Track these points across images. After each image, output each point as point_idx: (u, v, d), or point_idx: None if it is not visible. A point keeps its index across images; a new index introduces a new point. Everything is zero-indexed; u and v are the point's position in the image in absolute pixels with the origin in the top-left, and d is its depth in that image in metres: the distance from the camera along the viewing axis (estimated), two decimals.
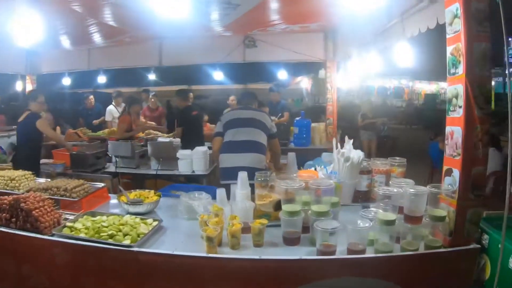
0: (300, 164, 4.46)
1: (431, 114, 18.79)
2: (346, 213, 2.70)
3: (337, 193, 2.56)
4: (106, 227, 2.61)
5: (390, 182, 2.61)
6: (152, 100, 9.02)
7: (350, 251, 2.27)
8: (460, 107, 2.27)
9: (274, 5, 5.33)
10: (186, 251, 2.36)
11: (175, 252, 2.34)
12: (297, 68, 9.78)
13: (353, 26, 5.59)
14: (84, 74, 9.73)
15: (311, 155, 5.06)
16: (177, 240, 2.60)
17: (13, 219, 2.75)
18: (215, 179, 5.05)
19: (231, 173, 4.03)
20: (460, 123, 2.28)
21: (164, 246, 2.49)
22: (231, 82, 11.80)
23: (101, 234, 2.54)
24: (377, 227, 2.33)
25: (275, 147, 4.59)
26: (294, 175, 2.74)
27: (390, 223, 2.32)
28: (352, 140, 3.00)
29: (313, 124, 7.16)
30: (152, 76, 9.14)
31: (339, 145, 3.06)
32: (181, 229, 2.79)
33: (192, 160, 5.19)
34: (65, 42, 7.37)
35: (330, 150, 6.40)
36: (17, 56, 8.15)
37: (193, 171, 5.23)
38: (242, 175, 2.94)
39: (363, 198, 3.08)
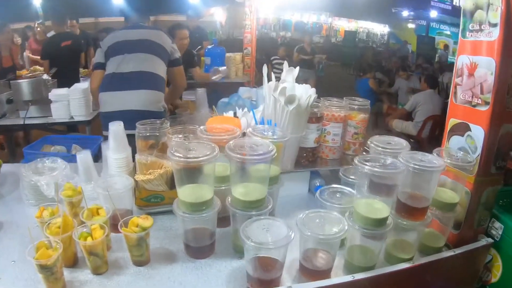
0: (212, 102, 3.38)
1: (350, 51, 18.56)
2: (287, 187, 1.66)
3: (277, 159, 1.43)
4: None
5: (369, 142, 1.55)
6: (39, 29, 7.49)
7: (306, 270, 1.27)
8: (493, 25, 1.35)
9: None
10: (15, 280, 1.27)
11: None
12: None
13: None
14: None
15: (226, 91, 4.10)
16: (9, 254, 1.41)
17: None
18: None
19: (117, 119, 2.79)
20: (490, 50, 1.37)
21: None
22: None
23: None
24: (355, 226, 1.29)
25: (179, 78, 3.28)
26: (201, 127, 1.56)
27: (380, 222, 1.29)
28: (297, 69, 1.85)
29: (227, 54, 5.97)
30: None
31: (273, 76, 1.90)
32: (21, 228, 1.57)
33: (69, 102, 3.86)
34: None
35: (247, 84, 5.51)
36: None
37: (71, 117, 3.92)
38: (115, 129, 1.74)
39: (309, 159, 2.01)
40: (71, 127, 4.33)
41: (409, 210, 1.37)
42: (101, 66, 3.03)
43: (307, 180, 2.02)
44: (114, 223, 1.40)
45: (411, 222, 1.36)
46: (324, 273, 1.29)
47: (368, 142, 1.55)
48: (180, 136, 1.59)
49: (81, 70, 5.95)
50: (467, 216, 1.50)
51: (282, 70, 1.87)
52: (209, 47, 5.87)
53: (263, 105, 1.96)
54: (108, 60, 2.96)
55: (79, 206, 1.49)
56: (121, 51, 2.93)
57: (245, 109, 2.09)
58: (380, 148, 1.48)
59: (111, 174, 1.71)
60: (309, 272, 1.30)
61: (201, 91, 3.28)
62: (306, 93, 1.75)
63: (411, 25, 19.31)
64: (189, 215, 1.27)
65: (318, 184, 1.97)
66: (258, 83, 6.12)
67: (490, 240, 1.58)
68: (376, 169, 1.26)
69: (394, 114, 7.17)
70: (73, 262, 1.34)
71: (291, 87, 1.70)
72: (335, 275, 1.32)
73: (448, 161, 1.42)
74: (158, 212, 1.61)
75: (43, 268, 1.15)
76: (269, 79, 1.83)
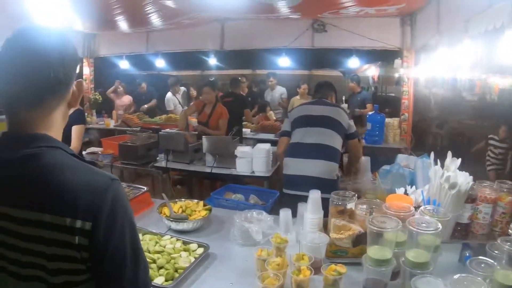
0: (373, 166, 3.84)
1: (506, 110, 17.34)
2: (443, 256, 2.06)
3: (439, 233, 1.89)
4: None
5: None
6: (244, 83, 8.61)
7: None
8: None
9: None
10: None
11: None
12: (370, 56, 8.91)
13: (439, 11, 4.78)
14: (142, 57, 9.48)
15: (384, 155, 4.48)
16: (227, 278, 2.03)
17: None
18: (278, 182, 4.46)
19: (296, 182, 3.45)
20: None
21: None
22: (298, 67, 11.12)
23: None
24: None
25: (355, 150, 3.80)
26: (381, 202, 2.10)
27: None
28: (459, 160, 2.30)
29: (387, 120, 6.38)
30: (213, 61, 8.71)
31: (438, 161, 2.37)
32: (233, 260, 2.22)
33: (252, 159, 4.61)
34: (123, 24, 7.06)
35: (403, 150, 5.83)
36: (74, 39, 7.89)
37: (253, 172, 4.65)
38: (314, 196, 2.32)
39: (462, 232, 2.39)
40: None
41: None
42: (287, 134, 3.76)
43: (459, 250, 2.39)
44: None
45: None
46: None
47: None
48: (364, 206, 2.14)
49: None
50: None
51: None
52: (370, 113, 6.34)
53: (428, 185, 2.42)
54: (294, 130, 3.66)
55: (284, 251, 2.09)
56: (306, 124, 3.62)
57: (413, 187, 2.56)
58: None
59: (307, 230, 2.30)
60: None
61: (365, 159, 3.82)
62: (465, 180, 2.18)
63: None
64: (372, 267, 1.79)
65: (467, 254, 2.32)
66: (414, 149, 6.43)
67: None
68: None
69: None
70: None
71: (454, 176, 2.15)
72: None
73: None
74: (341, 262, 2.14)
75: None
76: (436, 163, 2.31)
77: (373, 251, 1.80)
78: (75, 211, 1.04)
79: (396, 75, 7.46)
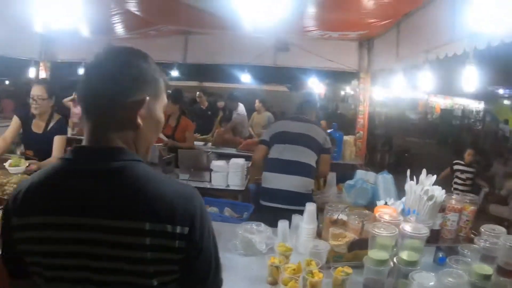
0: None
1: (446, 129, 18.55)
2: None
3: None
4: None
5: (482, 229, 2.30)
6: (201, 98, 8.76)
7: None
8: None
9: (313, 11, 4.95)
10: None
11: None
12: (328, 76, 9.38)
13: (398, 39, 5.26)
14: None
15: (342, 171, 4.79)
16: (240, 286, 2.22)
17: None
18: (248, 195, 4.71)
19: (275, 195, 3.76)
20: None
21: None
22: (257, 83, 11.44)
23: None
24: (470, 282, 2.04)
25: (324, 165, 4.05)
26: (377, 215, 2.42)
27: (487, 277, 2.03)
28: (435, 177, 2.68)
29: (344, 137, 6.81)
30: (175, 73, 8.81)
31: (414, 177, 2.75)
32: (238, 270, 2.39)
33: (228, 173, 4.80)
34: (85, 29, 6.66)
35: (359, 166, 6.23)
36: (31, 40, 7.66)
37: (228, 185, 4.83)
38: (310, 208, 2.64)
39: (434, 237, 2.76)
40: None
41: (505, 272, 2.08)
42: (266, 143, 4.04)
43: (432, 253, 2.75)
44: None
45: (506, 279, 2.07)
46: None
47: (482, 229, 2.29)
48: (355, 216, 2.45)
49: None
50: None
51: None
52: (330, 131, 6.63)
53: (404, 198, 2.78)
54: (273, 145, 3.93)
55: (289, 258, 2.33)
56: (283, 141, 3.91)
57: (392, 199, 2.91)
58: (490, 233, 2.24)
59: (303, 239, 2.58)
60: None
61: (331, 175, 4.17)
62: (440, 192, 2.56)
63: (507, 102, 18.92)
64: (373, 267, 2.08)
65: (441, 255, 2.68)
66: (368, 165, 6.87)
67: None
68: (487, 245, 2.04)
69: (491, 198, 7.54)
70: None
71: (432, 189, 2.52)
72: None
73: None
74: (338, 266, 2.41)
75: None
76: (411, 178, 2.67)
77: (374, 254, 2.10)
78: (173, 218, 1.15)
79: (342, 93, 7.84)
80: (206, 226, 1.24)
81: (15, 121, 4.13)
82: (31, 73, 8.28)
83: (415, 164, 9.74)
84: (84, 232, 1.13)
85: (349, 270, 2.08)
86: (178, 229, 1.15)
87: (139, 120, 1.23)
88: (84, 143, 1.23)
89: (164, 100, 1.34)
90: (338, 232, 2.39)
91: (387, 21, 5.16)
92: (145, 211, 1.14)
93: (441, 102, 24.38)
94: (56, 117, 4.18)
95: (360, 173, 3.95)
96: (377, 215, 2.37)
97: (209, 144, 7.58)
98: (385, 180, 3.69)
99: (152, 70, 1.28)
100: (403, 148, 11.91)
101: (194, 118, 7.51)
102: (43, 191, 1.20)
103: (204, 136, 7.75)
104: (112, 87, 1.20)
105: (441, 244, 2.77)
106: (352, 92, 7.53)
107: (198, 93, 8.91)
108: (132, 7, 5.23)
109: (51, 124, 4.11)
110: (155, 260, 1.14)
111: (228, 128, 8.03)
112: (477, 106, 22.97)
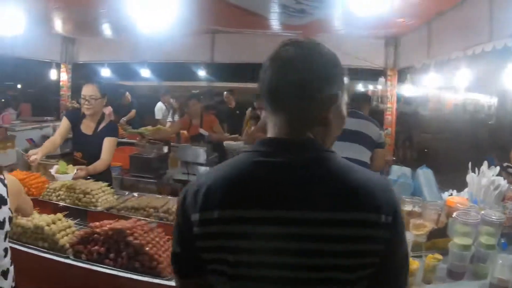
0: None
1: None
2: None
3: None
4: None
5: None
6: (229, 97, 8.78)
7: None
8: None
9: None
10: None
11: None
12: (353, 74, 9.42)
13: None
14: (126, 66, 9.37)
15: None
16: None
17: (111, 255, 2.29)
18: None
19: None
20: None
21: None
22: None
23: None
24: None
25: (379, 158, 4.07)
26: (440, 202, 2.64)
27: None
28: (498, 168, 2.89)
29: None
30: (202, 73, 8.89)
31: (476, 169, 2.97)
32: None
33: None
34: (107, 30, 6.77)
35: (390, 162, 6.27)
36: (52, 42, 7.73)
37: None
38: None
39: None
40: None
41: None
42: None
43: None
44: None
45: None
46: None
47: None
48: (432, 207, 2.67)
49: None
50: None
51: None
52: None
53: (466, 189, 3.01)
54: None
55: None
56: (341, 137, 4.03)
57: (454, 191, 3.12)
58: None
59: None
60: None
61: None
62: (504, 182, 2.79)
63: None
64: (458, 251, 2.28)
65: (503, 241, 2.85)
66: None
67: None
68: None
69: None
70: None
71: (498, 179, 2.75)
72: None
73: None
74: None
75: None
76: (473, 170, 2.90)
77: (460, 240, 2.31)
78: (377, 207, 1.11)
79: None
80: (401, 218, 1.19)
81: (65, 122, 4.01)
82: (53, 75, 8.32)
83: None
84: (286, 227, 1.09)
85: (440, 257, 2.29)
86: (383, 218, 1.11)
87: (330, 116, 1.20)
88: (271, 135, 1.20)
89: (345, 96, 1.27)
90: (418, 223, 2.60)
91: (418, 20, 5.31)
92: (350, 200, 1.10)
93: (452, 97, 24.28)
94: (107, 118, 4.07)
95: (395, 168, 4.07)
96: (457, 204, 2.58)
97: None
98: (425, 174, 3.84)
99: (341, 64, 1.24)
100: (427, 144, 12.06)
101: (223, 118, 7.56)
102: (234, 184, 1.16)
103: (233, 136, 7.86)
104: (316, 80, 1.17)
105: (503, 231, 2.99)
106: (378, 89, 7.49)
107: (225, 93, 8.95)
108: None
109: (101, 126, 3.96)
110: (357, 252, 1.10)
111: (259, 127, 8.09)
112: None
